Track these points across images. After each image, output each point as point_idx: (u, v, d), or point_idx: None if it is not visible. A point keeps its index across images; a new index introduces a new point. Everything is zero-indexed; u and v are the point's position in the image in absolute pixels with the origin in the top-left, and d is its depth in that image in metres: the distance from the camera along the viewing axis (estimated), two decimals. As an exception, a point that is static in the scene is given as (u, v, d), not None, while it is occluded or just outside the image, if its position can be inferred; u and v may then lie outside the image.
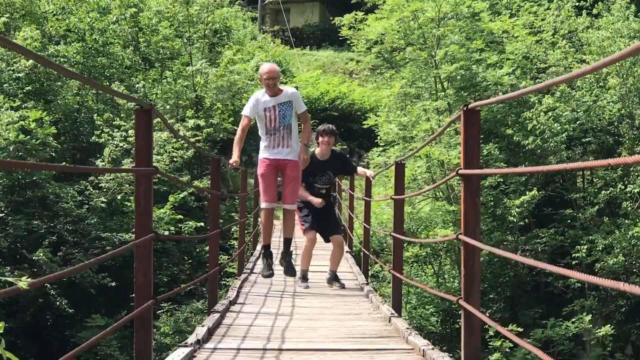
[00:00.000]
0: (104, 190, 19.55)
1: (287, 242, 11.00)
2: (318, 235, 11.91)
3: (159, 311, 17.31)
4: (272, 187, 10.63)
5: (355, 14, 24.97)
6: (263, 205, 10.63)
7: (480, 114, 6.00)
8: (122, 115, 22.16)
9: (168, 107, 24.68)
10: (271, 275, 10.98)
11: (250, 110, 10.57)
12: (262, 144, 10.78)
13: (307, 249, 11.62)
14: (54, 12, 26.19)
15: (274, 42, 44.80)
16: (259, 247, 14.13)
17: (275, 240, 11.65)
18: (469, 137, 5.88)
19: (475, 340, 5.87)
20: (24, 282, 3.04)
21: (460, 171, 5.88)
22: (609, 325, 17.25)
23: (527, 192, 18.74)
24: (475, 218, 5.86)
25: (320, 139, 11.63)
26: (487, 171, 6.71)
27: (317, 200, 11.47)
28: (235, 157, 10.30)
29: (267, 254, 11.06)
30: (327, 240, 12.13)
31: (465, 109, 5.87)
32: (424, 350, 6.53)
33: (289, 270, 10.97)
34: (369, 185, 14.07)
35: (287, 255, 11.05)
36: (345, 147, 32.61)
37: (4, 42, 3.48)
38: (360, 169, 12.27)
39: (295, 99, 10.68)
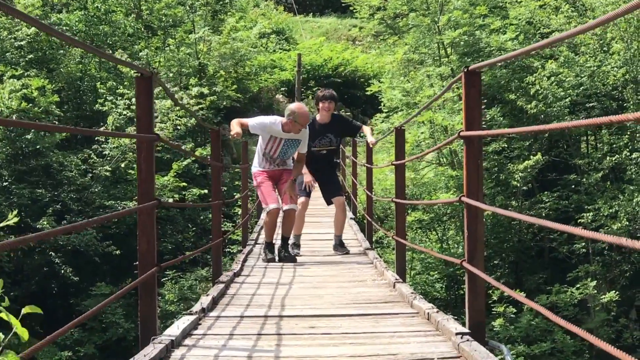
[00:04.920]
0: (108, 158, 19.55)
1: (285, 239, 11.20)
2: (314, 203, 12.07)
3: (164, 279, 17.38)
4: (272, 191, 10.75)
5: (358, -19, 24.88)
6: (270, 207, 10.63)
7: (481, 76, 5.97)
8: (125, 83, 22.13)
9: (171, 75, 24.64)
10: (272, 259, 11.13)
11: (252, 128, 10.58)
12: (258, 157, 10.92)
13: (300, 213, 11.63)
14: (56, -20, 26.12)
15: (277, 9, 44.72)
16: (263, 215, 14.13)
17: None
18: (470, 100, 5.86)
19: (479, 303, 5.88)
20: (12, 219, 3.02)
21: (462, 133, 5.86)
22: (614, 291, 17.27)
23: (531, 157, 18.72)
24: (477, 180, 5.85)
25: (320, 104, 11.66)
26: (487, 132, 6.75)
27: (307, 179, 11.60)
28: (237, 129, 10.26)
29: (270, 249, 11.28)
30: (329, 203, 12.22)
31: (466, 70, 5.84)
32: (428, 313, 6.53)
33: (288, 259, 11.07)
34: (370, 151, 14.06)
35: (284, 248, 11.21)
36: (349, 113, 32.62)
37: (7, 9, 3.45)
38: (365, 128, 12.09)
39: (304, 139, 10.74)
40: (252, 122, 10.62)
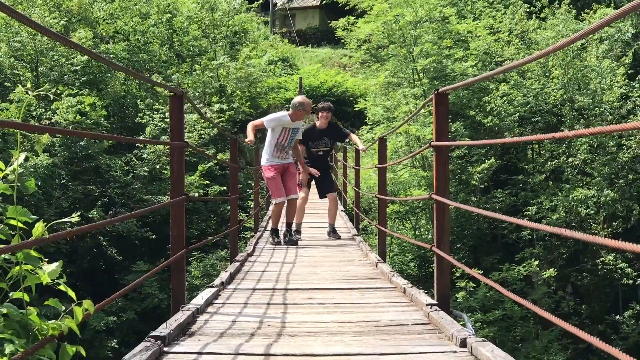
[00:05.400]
0: (146, 161, 19.52)
1: (289, 225, 11.23)
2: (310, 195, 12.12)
3: (191, 258, 17.35)
4: (281, 185, 10.79)
5: (348, 18, 24.80)
6: (279, 199, 10.78)
7: (448, 97, 5.96)
8: (160, 100, 22.09)
9: (197, 94, 24.61)
10: (279, 243, 11.22)
11: (268, 123, 10.61)
12: (268, 153, 10.86)
13: (300, 205, 11.63)
14: (104, 17, 26.11)
15: (283, 42, 44.65)
16: (271, 207, 14.13)
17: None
18: (440, 116, 5.85)
19: (445, 279, 5.87)
20: (75, 218, 3.01)
21: (432, 143, 5.85)
22: (553, 269, 17.30)
23: (487, 161, 18.76)
24: (445, 181, 5.85)
25: (320, 114, 11.72)
26: (454, 143, 6.74)
27: (313, 171, 11.54)
28: (250, 137, 10.29)
29: (275, 233, 11.38)
30: (322, 197, 12.26)
31: (436, 92, 5.84)
32: (404, 288, 6.53)
33: (291, 242, 11.15)
34: (358, 155, 14.08)
35: (289, 233, 11.25)
36: (340, 125, 32.60)
37: (66, 42, 3.45)
38: (353, 136, 11.99)
39: (300, 127, 10.90)
40: (266, 119, 10.68)
